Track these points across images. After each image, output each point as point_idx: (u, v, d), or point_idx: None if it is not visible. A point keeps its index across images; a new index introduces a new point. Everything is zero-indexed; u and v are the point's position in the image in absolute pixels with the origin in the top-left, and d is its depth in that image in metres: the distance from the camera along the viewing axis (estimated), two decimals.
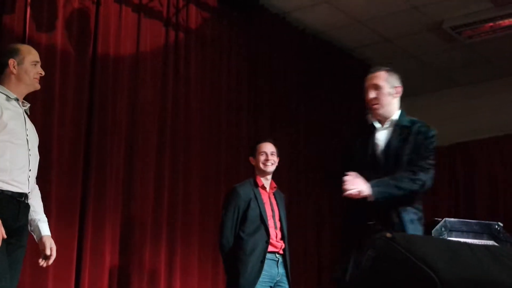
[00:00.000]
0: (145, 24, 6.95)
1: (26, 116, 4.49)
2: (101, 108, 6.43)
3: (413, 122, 4.64)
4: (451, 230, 4.95)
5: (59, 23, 6.22)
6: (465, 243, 4.12)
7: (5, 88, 4.39)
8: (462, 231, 4.98)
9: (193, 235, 7.02)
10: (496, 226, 5.08)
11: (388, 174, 4.45)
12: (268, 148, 5.79)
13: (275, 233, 5.64)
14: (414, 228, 4.41)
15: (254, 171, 5.86)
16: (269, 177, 5.81)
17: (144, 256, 6.55)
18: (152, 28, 7.01)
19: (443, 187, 9.99)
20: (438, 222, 5.03)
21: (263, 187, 5.78)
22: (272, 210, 5.71)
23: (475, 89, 9.91)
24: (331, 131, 8.89)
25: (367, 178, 4.40)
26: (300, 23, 8.47)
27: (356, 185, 4.37)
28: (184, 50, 7.29)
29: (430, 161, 4.48)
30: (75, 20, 6.37)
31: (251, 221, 5.60)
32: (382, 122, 4.66)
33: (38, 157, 4.53)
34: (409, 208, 4.45)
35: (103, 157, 6.38)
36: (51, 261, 4.49)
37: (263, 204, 5.66)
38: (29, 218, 4.42)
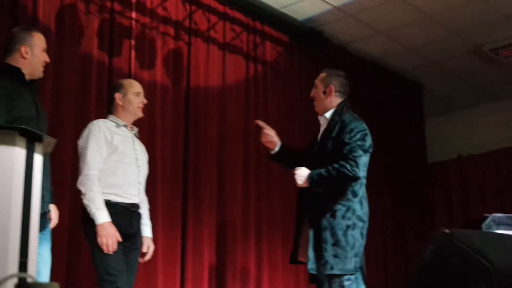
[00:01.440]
0: (229, 59, 7.01)
1: (135, 138, 4.58)
2: (195, 130, 6.53)
3: (341, 116, 4.28)
4: (499, 224, 4.78)
5: (158, 61, 6.33)
6: None
7: (115, 117, 4.52)
8: (509, 225, 4.81)
9: (277, 235, 7.00)
10: None
11: (317, 167, 4.18)
12: None
13: None
14: (333, 222, 4.10)
15: None
16: None
17: (236, 253, 6.62)
18: (235, 62, 7.08)
19: (490, 188, 9.67)
20: (487, 217, 4.87)
21: None
22: None
23: None
24: (389, 147, 8.68)
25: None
26: (359, 51, 8.40)
27: (299, 177, 4.22)
28: (262, 79, 7.35)
29: (355, 154, 4.07)
30: (171, 59, 6.48)
31: None
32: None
33: (147, 172, 4.60)
34: (337, 200, 4.13)
35: (199, 171, 6.47)
36: (147, 258, 4.55)
37: None
38: None
